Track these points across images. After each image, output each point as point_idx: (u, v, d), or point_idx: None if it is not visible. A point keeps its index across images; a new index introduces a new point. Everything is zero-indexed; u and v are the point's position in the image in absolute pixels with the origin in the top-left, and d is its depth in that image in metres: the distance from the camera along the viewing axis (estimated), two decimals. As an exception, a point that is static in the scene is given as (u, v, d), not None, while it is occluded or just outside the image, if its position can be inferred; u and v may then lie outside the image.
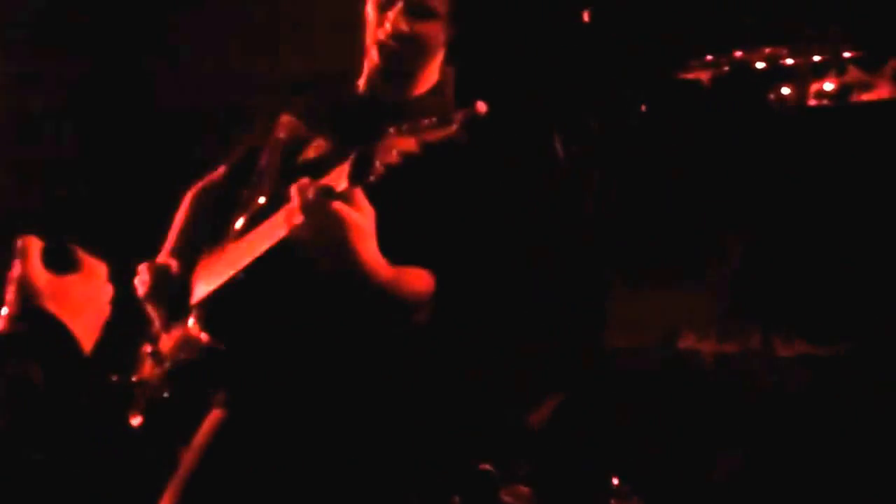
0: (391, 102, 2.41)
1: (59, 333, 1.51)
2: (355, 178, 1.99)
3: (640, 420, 3.24)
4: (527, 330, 3.71)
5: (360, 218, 2.02)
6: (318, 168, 2.21)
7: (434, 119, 1.94)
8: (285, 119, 2.55)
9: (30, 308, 1.51)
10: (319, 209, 1.99)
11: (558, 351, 3.57)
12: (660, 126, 3.24)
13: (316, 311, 2.32)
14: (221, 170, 2.72)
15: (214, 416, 2.41)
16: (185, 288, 2.47)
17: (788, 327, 3.05)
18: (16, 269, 1.56)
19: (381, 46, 2.37)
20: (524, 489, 3.33)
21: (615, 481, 3.01)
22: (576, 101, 3.33)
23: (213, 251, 2.46)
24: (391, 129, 1.96)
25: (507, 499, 3.30)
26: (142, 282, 2.47)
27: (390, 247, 2.12)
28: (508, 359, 3.65)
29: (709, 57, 3.11)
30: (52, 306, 1.52)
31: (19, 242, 1.57)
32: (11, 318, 1.51)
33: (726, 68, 3.05)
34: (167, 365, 2.45)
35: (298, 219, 2.02)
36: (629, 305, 3.33)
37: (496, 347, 3.59)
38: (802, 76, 2.99)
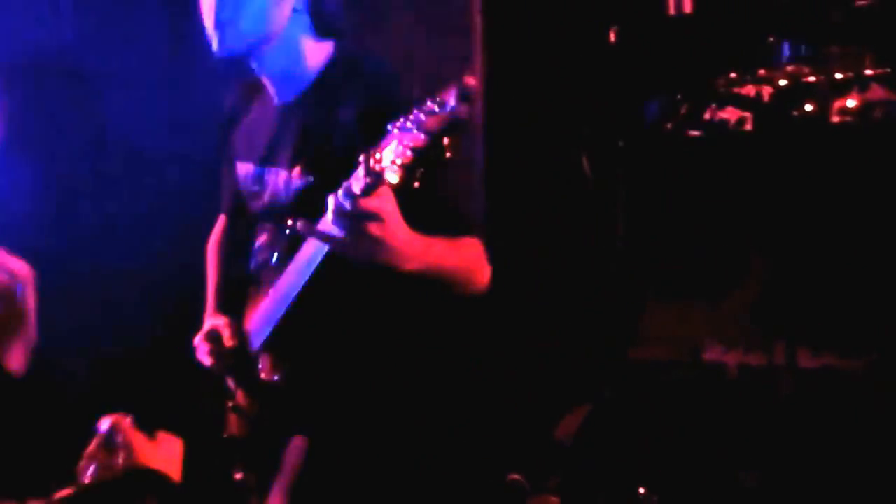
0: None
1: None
2: (370, 191, 1.95)
3: (666, 431, 3.26)
4: (556, 342, 3.75)
5: (390, 206, 2.02)
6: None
7: (430, 105, 1.87)
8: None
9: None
10: (354, 214, 1.99)
11: (587, 362, 3.60)
12: (684, 143, 3.27)
13: (378, 312, 2.36)
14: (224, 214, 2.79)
15: (297, 443, 2.43)
16: (244, 340, 2.52)
17: (813, 340, 3.06)
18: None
19: None
20: (553, 499, 3.37)
21: (641, 491, 3.03)
22: (603, 119, 3.36)
23: (259, 292, 2.50)
24: (392, 129, 1.90)
25: (535, 509, 3.34)
26: (204, 353, 2.55)
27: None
28: (538, 370, 3.68)
29: (733, 75, 3.15)
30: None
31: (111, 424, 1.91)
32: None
33: (750, 86, 3.08)
34: (251, 417, 2.53)
35: (336, 230, 2.03)
36: (655, 318, 3.35)
37: (526, 359, 3.62)
38: (825, 93, 3.02)
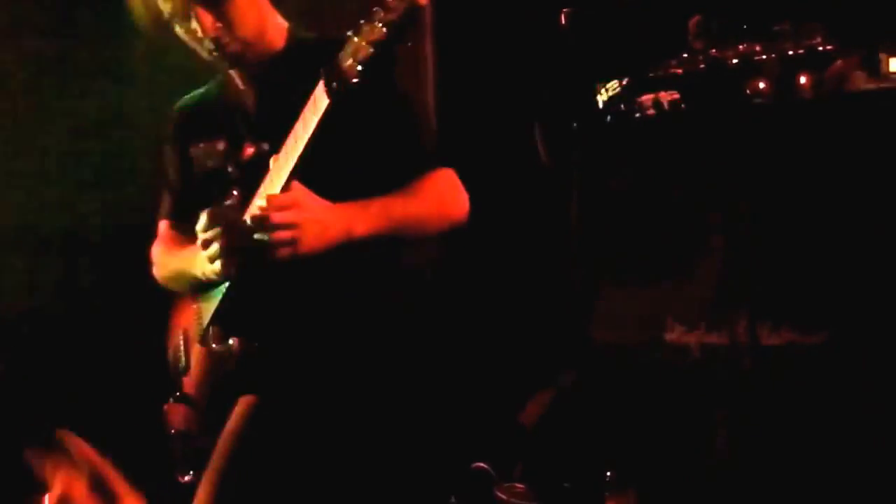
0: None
1: None
2: (336, 90, 2.10)
3: (631, 413, 3.26)
4: (517, 328, 3.74)
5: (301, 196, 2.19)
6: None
7: (387, 3, 2.02)
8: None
9: None
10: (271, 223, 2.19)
11: (548, 347, 3.60)
12: (641, 123, 3.26)
13: (332, 284, 2.41)
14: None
15: (245, 401, 2.46)
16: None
17: (774, 317, 3.07)
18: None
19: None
20: (519, 486, 3.36)
21: (608, 474, 3.03)
22: (557, 101, 3.35)
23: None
24: (349, 35, 2.06)
25: (502, 496, 3.33)
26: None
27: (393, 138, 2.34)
28: (500, 357, 3.68)
29: (684, 55, 3.14)
30: None
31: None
32: None
33: (702, 66, 3.08)
34: (204, 400, 2.53)
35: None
36: (616, 299, 3.36)
37: (485, 345, 3.62)
38: (777, 71, 3.02)
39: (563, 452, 3.37)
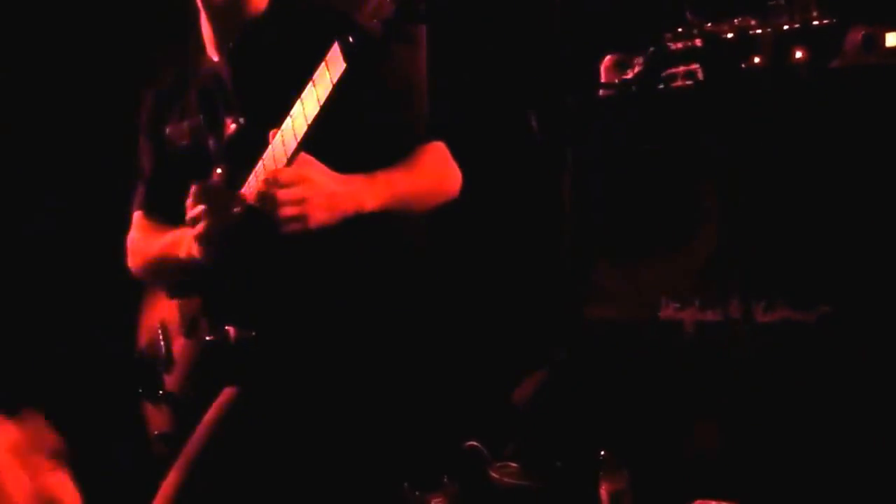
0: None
1: None
2: (355, 52, 1.98)
3: (624, 391, 3.25)
4: (509, 306, 3.73)
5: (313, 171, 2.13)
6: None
7: None
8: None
9: None
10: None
11: (541, 325, 3.59)
12: (635, 100, 3.25)
13: (321, 271, 2.36)
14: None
15: (227, 392, 2.40)
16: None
17: (768, 294, 3.06)
18: None
19: None
20: (512, 465, 3.36)
21: (601, 453, 3.03)
22: (551, 79, 3.33)
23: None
24: None
25: (495, 475, 3.32)
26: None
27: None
28: (492, 335, 3.66)
29: (679, 29, 3.12)
30: None
31: None
32: None
33: (697, 41, 3.06)
34: (189, 396, 2.48)
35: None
36: (609, 277, 3.34)
37: (478, 324, 3.60)
38: (772, 46, 3.00)
39: (556, 431, 3.36)
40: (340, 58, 2.01)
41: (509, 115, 3.48)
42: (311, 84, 2.08)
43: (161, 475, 2.41)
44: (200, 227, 2.24)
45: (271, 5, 2.40)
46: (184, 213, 2.31)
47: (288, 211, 2.12)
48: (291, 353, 2.36)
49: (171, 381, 2.54)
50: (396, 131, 2.33)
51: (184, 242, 2.32)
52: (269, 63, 2.31)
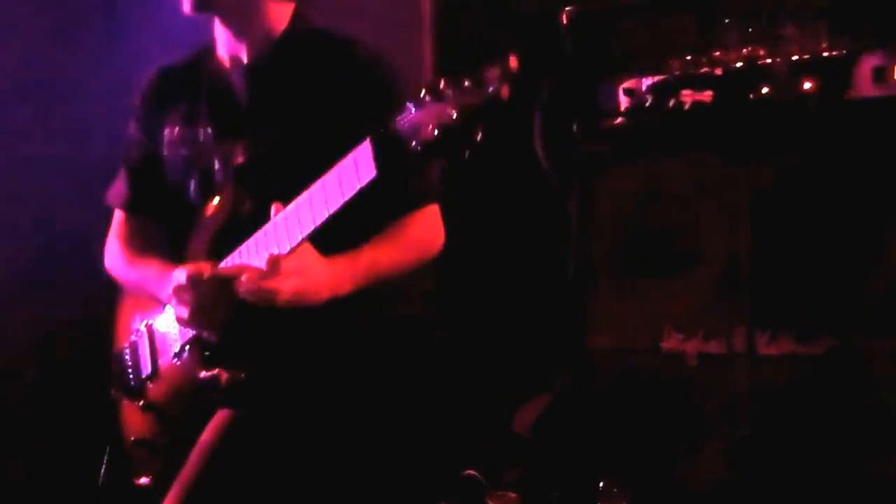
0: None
1: None
2: (387, 166, 1.86)
3: (624, 421, 3.22)
4: (511, 333, 3.71)
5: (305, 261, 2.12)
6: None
7: (466, 82, 1.77)
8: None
9: None
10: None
11: (542, 353, 3.57)
12: (640, 127, 3.23)
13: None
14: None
15: (220, 416, 2.38)
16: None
17: (772, 327, 3.04)
18: None
19: None
20: (511, 494, 3.33)
21: (602, 483, 3.00)
22: (557, 104, 3.32)
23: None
24: (411, 106, 1.79)
25: (493, 504, 3.29)
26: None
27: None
28: (493, 362, 3.64)
29: (688, 57, 3.11)
30: None
31: None
32: None
33: (705, 69, 3.04)
34: (175, 411, 2.44)
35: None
36: (613, 306, 3.32)
37: (481, 351, 3.58)
38: (781, 75, 2.98)
39: (556, 460, 3.33)
40: (371, 164, 1.87)
41: (515, 140, 3.46)
42: (330, 178, 1.96)
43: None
44: (184, 313, 2.24)
45: (292, 27, 2.36)
46: (169, 216, 2.31)
47: (283, 298, 2.13)
48: (285, 389, 2.34)
49: (156, 391, 2.50)
50: (401, 200, 2.28)
51: (167, 285, 2.29)
52: (289, 95, 2.27)
